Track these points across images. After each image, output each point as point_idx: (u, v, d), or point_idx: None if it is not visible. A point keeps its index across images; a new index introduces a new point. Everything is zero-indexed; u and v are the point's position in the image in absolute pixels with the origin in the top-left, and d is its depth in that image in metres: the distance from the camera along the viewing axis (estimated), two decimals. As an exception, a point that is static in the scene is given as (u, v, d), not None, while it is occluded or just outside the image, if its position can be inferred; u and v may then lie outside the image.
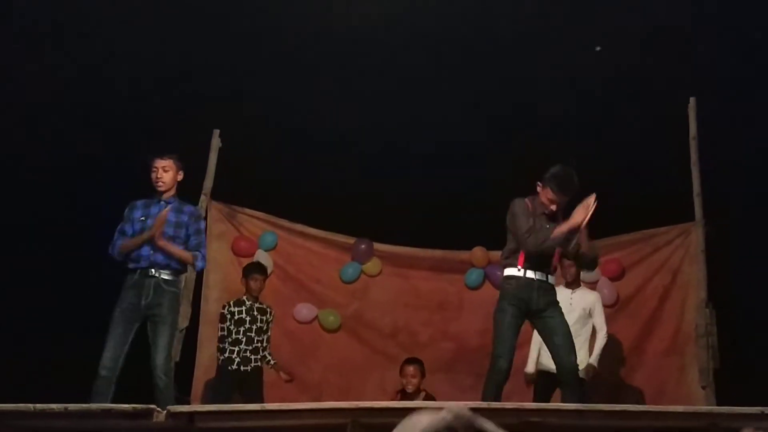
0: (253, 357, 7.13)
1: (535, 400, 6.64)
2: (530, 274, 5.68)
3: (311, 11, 7.99)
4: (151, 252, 5.78)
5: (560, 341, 5.65)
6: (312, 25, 8.06)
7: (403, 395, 6.88)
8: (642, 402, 7.28)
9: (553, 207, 5.73)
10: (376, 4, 8.04)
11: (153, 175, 5.93)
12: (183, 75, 8.16)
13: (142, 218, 5.88)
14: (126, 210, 5.99)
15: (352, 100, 8.23)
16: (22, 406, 4.99)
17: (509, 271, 5.75)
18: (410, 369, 6.93)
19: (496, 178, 7.91)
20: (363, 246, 8.25)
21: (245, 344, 7.11)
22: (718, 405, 6.22)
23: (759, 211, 7.77)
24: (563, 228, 5.64)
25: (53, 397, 5.07)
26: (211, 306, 7.64)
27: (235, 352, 7.09)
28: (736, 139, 7.87)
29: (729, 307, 7.18)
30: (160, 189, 5.93)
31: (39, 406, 4.98)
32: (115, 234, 5.90)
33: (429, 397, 6.73)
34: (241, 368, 7.08)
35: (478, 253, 8.20)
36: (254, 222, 8.12)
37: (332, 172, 8.47)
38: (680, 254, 7.49)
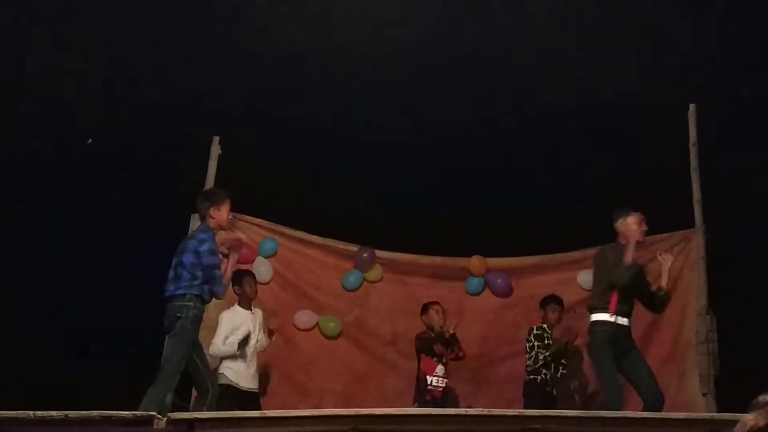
0: None
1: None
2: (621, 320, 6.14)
3: (310, 21, 8.02)
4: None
5: (646, 374, 6.11)
6: (311, 36, 8.08)
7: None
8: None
9: (644, 228, 6.21)
10: (374, 13, 8.07)
11: (228, 216, 6.17)
12: (183, 83, 8.17)
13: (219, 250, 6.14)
14: (213, 243, 6.04)
15: (352, 109, 8.24)
16: (21, 413, 4.97)
17: (601, 316, 6.14)
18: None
19: (496, 187, 7.92)
20: (366, 254, 8.20)
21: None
22: (718, 412, 6.21)
23: (759, 218, 7.77)
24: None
25: (53, 405, 5.06)
26: (210, 313, 7.58)
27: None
28: (736, 146, 7.87)
29: (729, 313, 7.16)
30: (224, 228, 6.30)
31: (39, 413, 4.97)
32: (217, 271, 5.96)
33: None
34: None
35: (475, 261, 8.18)
36: (254, 229, 8.09)
37: (332, 178, 8.48)
38: (680, 261, 7.46)
